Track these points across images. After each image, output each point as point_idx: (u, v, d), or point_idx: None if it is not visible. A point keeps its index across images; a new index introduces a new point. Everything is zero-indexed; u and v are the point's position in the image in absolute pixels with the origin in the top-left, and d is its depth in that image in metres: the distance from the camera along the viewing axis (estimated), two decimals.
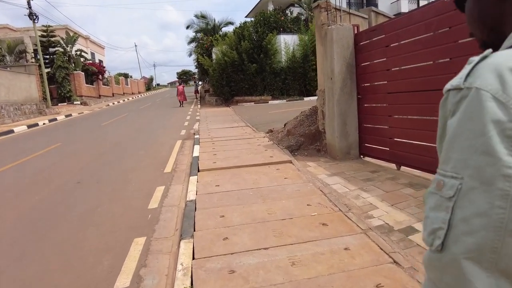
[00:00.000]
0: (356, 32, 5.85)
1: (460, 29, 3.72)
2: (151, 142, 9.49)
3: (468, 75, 0.53)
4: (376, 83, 5.52)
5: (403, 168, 5.15)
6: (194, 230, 3.55)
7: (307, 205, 4.05)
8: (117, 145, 9.46)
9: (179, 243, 3.35)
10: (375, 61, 5.46)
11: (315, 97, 19.84)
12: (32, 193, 5.37)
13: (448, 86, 0.55)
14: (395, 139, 5.15)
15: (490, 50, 0.54)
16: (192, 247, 3.21)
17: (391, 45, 4.98)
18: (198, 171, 5.79)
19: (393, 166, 5.33)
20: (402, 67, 4.81)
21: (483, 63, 0.52)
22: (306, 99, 19.89)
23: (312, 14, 21.18)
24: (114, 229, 3.88)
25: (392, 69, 5.03)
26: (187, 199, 4.51)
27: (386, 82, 5.21)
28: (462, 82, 0.52)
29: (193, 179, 5.36)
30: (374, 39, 5.38)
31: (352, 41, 5.78)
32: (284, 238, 3.26)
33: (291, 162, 6.00)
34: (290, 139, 7.27)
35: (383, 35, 5.13)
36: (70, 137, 11.50)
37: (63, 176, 6.34)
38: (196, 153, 7.09)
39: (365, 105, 5.83)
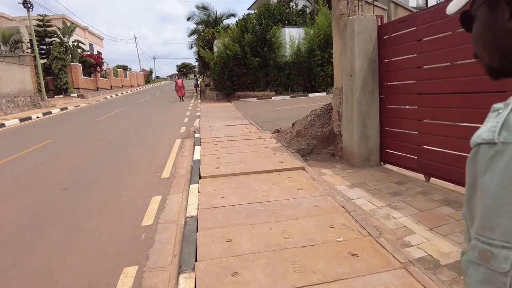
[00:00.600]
0: (380, 24, 5.18)
1: None
2: (148, 141, 8.84)
3: (501, 127, 0.48)
4: (402, 82, 4.87)
5: (432, 179, 4.52)
6: (196, 260, 2.92)
7: (330, 226, 3.42)
8: (112, 143, 8.81)
9: (178, 277, 2.74)
10: (402, 57, 4.80)
11: (320, 94, 19.30)
12: (10, 202, 4.73)
13: (477, 139, 0.50)
14: (425, 146, 4.51)
15: None
16: (193, 285, 2.59)
17: (425, 39, 4.32)
18: (200, 177, 5.16)
19: (420, 176, 4.70)
20: (438, 65, 4.16)
21: None
22: (310, 95, 19.21)
23: (318, 7, 20.42)
24: (100, 254, 3.25)
25: (425, 67, 4.37)
26: (187, 214, 3.88)
27: (415, 81, 4.56)
28: (496, 136, 0.48)
29: (194, 188, 4.72)
30: (402, 32, 4.71)
31: (376, 34, 5.11)
32: (308, 275, 2.64)
33: (304, 169, 5.37)
34: (300, 141, 6.63)
35: (415, 28, 4.46)
36: (63, 133, 10.84)
37: (49, 180, 5.70)
38: (197, 155, 6.45)
39: (388, 106, 5.18)
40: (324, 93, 19.21)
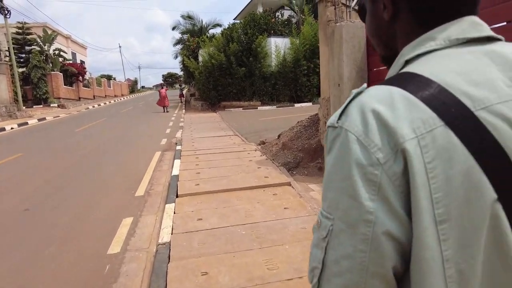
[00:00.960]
0: None
1: None
2: (126, 154, 8.35)
3: (342, 113, 0.51)
4: None
5: None
6: None
7: None
8: (87, 156, 8.28)
9: None
10: None
11: (307, 104, 19.12)
12: None
13: (328, 123, 0.53)
14: None
15: (365, 85, 0.52)
16: None
17: None
18: (177, 196, 4.73)
19: None
20: None
21: (355, 101, 0.50)
22: (297, 105, 19.00)
23: (303, 17, 20.40)
24: None
25: None
26: (159, 240, 3.45)
27: None
28: (336, 121, 0.51)
29: (170, 208, 4.29)
30: None
31: (364, 41, 4.84)
32: None
33: (290, 185, 5.00)
34: (286, 154, 6.28)
35: None
36: (36, 146, 10.22)
37: (11, 199, 5.17)
38: (176, 170, 6.01)
39: None
40: (310, 103, 19.04)
